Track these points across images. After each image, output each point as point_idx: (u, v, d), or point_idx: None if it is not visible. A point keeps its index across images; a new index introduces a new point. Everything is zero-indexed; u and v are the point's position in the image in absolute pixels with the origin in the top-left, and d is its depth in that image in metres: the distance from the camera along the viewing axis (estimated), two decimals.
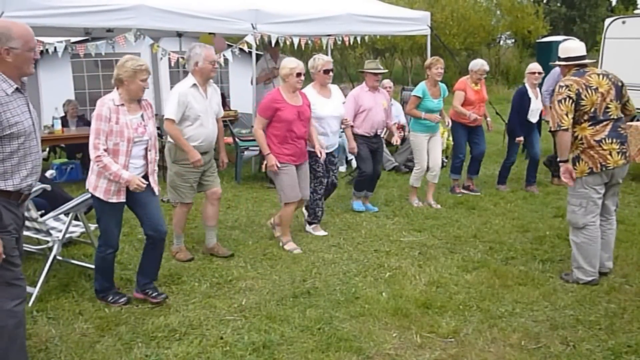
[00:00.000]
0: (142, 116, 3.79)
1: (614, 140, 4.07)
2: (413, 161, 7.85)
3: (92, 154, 3.61)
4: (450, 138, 8.84)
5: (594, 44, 18.17)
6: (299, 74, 4.82)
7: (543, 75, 6.89)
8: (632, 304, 3.91)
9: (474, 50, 22.58)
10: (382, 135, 6.09)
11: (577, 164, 4.15)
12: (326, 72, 5.23)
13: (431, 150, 6.32)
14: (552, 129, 4.13)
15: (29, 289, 3.99)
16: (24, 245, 4.49)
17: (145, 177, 3.84)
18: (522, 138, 6.74)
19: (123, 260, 4.67)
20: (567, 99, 4.02)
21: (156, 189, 3.91)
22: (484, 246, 5.08)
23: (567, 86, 4.05)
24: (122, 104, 3.69)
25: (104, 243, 3.83)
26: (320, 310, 3.81)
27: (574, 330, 3.57)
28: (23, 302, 2.81)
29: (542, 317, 3.73)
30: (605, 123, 4.08)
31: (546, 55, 17.70)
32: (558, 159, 4.21)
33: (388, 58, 24.32)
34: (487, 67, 6.75)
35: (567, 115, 4.01)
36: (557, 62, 4.34)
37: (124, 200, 3.78)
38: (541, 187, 7.19)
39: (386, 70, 5.96)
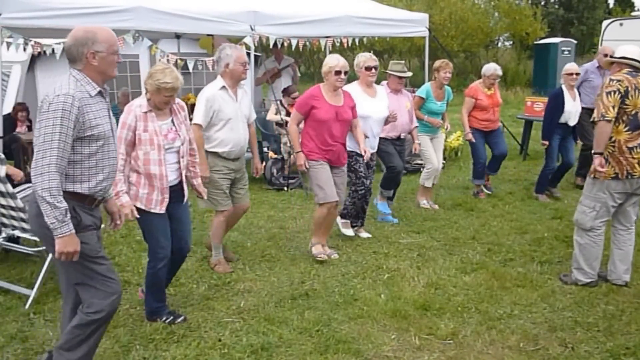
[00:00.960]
0: (172, 121, 3.56)
1: None
2: (411, 163, 7.87)
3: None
4: (450, 139, 8.91)
5: (591, 46, 18.23)
6: (338, 72, 4.56)
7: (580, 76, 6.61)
8: (631, 306, 3.91)
9: (472, 52, 22.62)
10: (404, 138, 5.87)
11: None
12: (368, 69, 5.03)
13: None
14: (595, 119, 4.03)
15: (25, 291, 4.01)
16: (22, 247, 4.51)
17: (180, 184, 3.66)
18: (547, 142, 6.48)
19: (121, 262, 4.67)
20: (616, 92, 3.94)
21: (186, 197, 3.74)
22: (483, 248, 5.08)
23: (618, 80, 3.98)
24: (151, 110, 3.48)
25: (153, 257, 3.58)
26: (318, 312, 3.81)
27: (572, 332, 3.57)
28: (118, 295, 2.85)
29: (540, 319, 3.73)
30: None
31: (544, 57, 17.75)
32: (593, 151, 4.09)
33: (386, 60, 24.36)
34: (500, 72, 6.55)
35: (613, 107, 3.94)
36: (612, 60, 4.23)
37: (164, 212, 3.56)
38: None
39: (411, 74, 5.74)
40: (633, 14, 14.57)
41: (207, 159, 4.30)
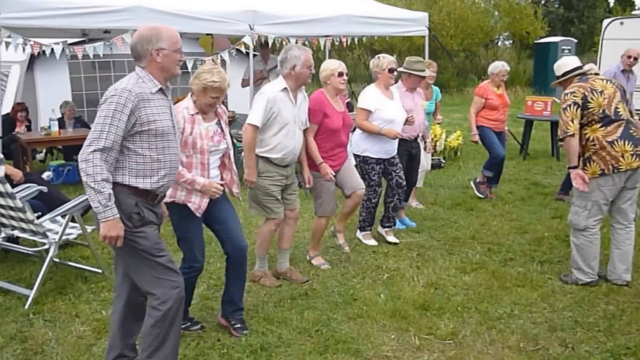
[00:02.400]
0: (218, 123, 3.45)
1: (627, 142, 4.02)
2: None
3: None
4: (449, 139, 8.91)
5: (592, 45, 18.22)
6: (340, 74, 4.46)
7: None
8: (631, 306, 3.90)
9: (471, 51, 22.59)
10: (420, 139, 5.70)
11: (588, 165, 4.11)
12: (391, 71, 4.88)
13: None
14: (560, 137, 4.13)
15: (24, 291, 4.00)
16: (21, 247, 4.51)
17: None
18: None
19: None
20: (573, 105, 4.03)
21: (235, 189, 3.62)
22: (483, 247, 5.07)
23: (571, 92, 4.07)
24: (197, 113, 3.33)
25: (187, 264, 3.41)
26: (318, 312, 3.80)
27: (572, 332, 3.56)
28: (182, 286, 2.86)
29: (540, 319, 3.73)
30: (617, 124, 4.05)
31: (544, 56, 17.74)
32: (568, 166, 4.17)
33: None
34: (507, 67, 6.48)
35: (572, 121, 4.03)
36: (557, 81, 4.33)
37: (201, 220, 3.42)
38: (539, 188, 7.19)
39: (430, 74, 5.61)
40: (633, 12, 14.56)
41: (257, 164, 4.06)
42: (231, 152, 3.56)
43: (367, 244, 5.17)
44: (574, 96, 4.05)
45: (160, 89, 2.78)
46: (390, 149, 5.00)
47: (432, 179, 6.55)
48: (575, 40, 18.38)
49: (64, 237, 4.20)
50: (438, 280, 4.33)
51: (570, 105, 4.04)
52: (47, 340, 3.45)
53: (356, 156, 5.04)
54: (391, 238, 5.23)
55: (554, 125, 9.22)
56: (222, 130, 3.47)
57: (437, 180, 7.08)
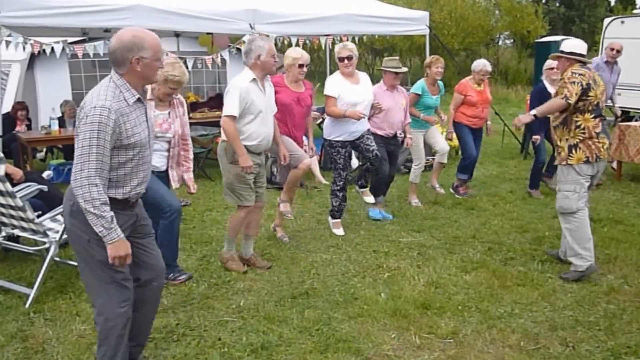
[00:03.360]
0: (169, 114, 3.97)
1: (604, 137, 4.31)
2: (412, 161, 7.84)
3: None
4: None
5: (593, 44, 18.16)
6: (301, 65, 4.75)
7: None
8: (632, 305, 3.90)
9: (472, 50, 22.59)
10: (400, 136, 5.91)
11: (574, 151, 4.28)
12: (341, 60, 5.15)
13: (431, 138, 6.33)
14: (558, 95, 4.23)
15: (25, 290, 4.00)
16: (21, 246, 4.50)
17: (166, 172, 4.10)
18: (538, 137, 6.52)
19: None
20: (578, 84, 4.17)
21: (175, 184, 4.15)
22: (483, 247, 5.07)
23: (580, 74, 4.22)
24: (152, 99, 3.76)
25: (164, 210, 3.97)
26: (318, 311, 3.80)
27: (573, 331, 3.56)
28: (131, 303, 2.82)
29: (541, 318, 3.72)
30: (600, 118, 4.31)
31: (545, 55, 17.69)
32: (534, 112, 4.35)
33: None
34: (489, 68, 6.59)
35: (575, 94, 4.16)
36: (560, 56, 4.42)
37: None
38: (540, 188, 7.17)
39: (407, 70, 5.81)
40: (634, 11, 14.54)
41: (233, 153, 4.24)
42: (189, 143, 4.06)
43: (335, 233, 5.37)
44: (582, 78, 4.19)
45: (138, 99, 2.70)
46: (354, 131, 5.21)
47: (421, 180, 6.56)
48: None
49: (64, 236, 4.20)
50: (439, 279, 4.33)
51: (577, 83, 4.17)
52: (47, 339, 3.45)
53: (325, 141, 5.40)
54: (368, 198, 5.59)
55: None
56: (171, 121, 3.95)
57: (438, 179, 7.08)
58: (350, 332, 3.53)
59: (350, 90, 5.13)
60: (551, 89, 6.43)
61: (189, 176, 4.22)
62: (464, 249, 5.02)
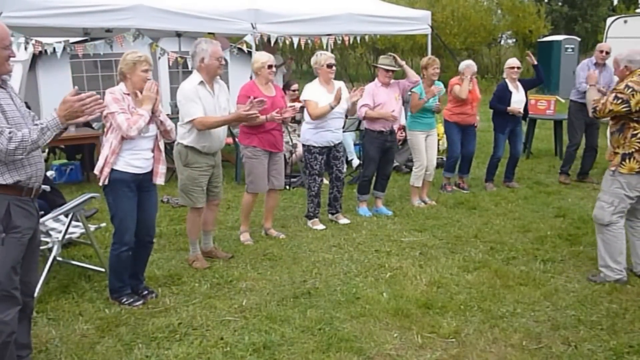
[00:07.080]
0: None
1: None
2: (413, 161, 7.84)
3: (126, 129, 3.59)
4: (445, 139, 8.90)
5: (595, 44, 18.13)
6: (270, 66, 5.00)
7: (521, 69, 7.03)
8: (634, 304, 3.89)
9: (474, 50, 22.55)
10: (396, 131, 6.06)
11: (627, 161, 4.09)
12: (329, 66, 5.37)
13: (427, 149, 6.33)
14: (593, 106, 4.19)
15: None
16: None
17: (151, 174, 3.86)
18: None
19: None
20: (623, 102, 3.99)
21: (159, 180, 3.90)
22: (485, 246, 5.06)
23: (633, 90, 3.99)
24: (128, 94, 3.73)
25: (116, 239, 3.82)
26: (320, 311, 3.80)
27: (575, 330, 3.56)
28: (10, 327, 2.76)
29: (543, 318, 3.72)
30: None
31: (547, 54, 17.69)
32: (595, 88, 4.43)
33: None
34: (474, 68, 6.73)
35: (610, 112, 4.07)
36: (629, 69, 4.21)
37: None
38: (542, 187, 7.18)
39: (399, 68, 5.89)
40: (637, 11, 14.52)
41: (187, 155, 4.38)
42: (161, 143, 3.89)
43: (316, 228, 5.53)
44: (633, 95, 3.97)
45: None
46: (331, 139, 5.47)
47: (434, 178, 6.57)
48: (579, 39, 18.32)
49: (66, 236, 4.21)
50: (441, 278, 4.33)
51: (622, 101, 3.99)
52: (50, 339, 3.46)
53: (303, 146, 5.60)
54: (343, 220, 5.74)
55: (558, 124, 9.22)
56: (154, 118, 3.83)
57: (439, 179, 7.09)
58: (352, 332, 3.53)
59: (322, 97, 5.33)
60: (512, 87, 6.80)
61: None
62: (466, 248, 5.02)
